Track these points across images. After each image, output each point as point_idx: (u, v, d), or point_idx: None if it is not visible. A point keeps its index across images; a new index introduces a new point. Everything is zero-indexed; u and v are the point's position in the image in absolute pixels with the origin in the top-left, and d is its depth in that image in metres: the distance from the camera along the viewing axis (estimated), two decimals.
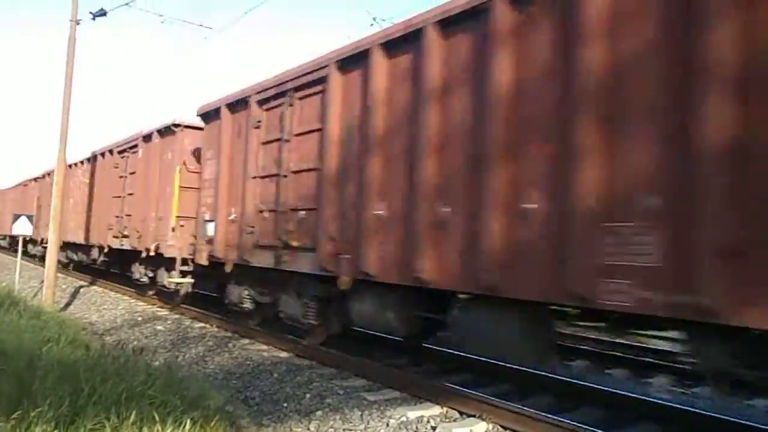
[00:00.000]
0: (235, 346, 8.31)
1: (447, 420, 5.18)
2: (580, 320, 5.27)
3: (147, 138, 12.67)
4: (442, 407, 5.43)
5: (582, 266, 4.10)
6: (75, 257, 18.30)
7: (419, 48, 5.63)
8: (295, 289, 7.72)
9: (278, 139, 7.77)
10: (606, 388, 6.07)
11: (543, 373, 6.41)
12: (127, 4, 12.65)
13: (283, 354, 7.76)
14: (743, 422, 5.09)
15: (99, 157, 15.95)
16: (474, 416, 5.14)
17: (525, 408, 5.04)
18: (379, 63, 6.13)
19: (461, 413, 5.28)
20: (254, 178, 8.25)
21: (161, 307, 12.19)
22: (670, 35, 3.77)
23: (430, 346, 7.69)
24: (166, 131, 11.71)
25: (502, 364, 6.74)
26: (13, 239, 23.02)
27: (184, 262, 10.60)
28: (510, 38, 4.78)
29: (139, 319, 11.02)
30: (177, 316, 11.13)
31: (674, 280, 3.63)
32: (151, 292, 13.05)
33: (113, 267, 15.83)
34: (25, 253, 16.52)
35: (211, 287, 11.24)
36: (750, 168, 3.35)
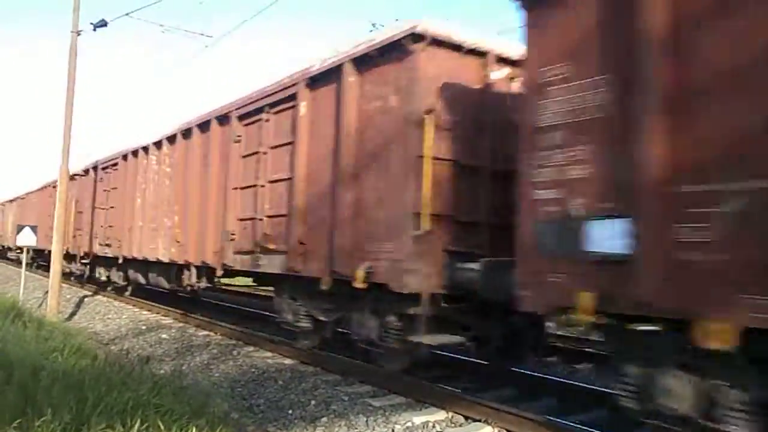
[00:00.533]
0: (239, 353, 8.31)
1: (452, 425, 5.18)
2: None
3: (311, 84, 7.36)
4: (447, 412, 5.43)
5: None
6: (141, 279, 13.38)
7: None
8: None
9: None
10: (611, 392, 6.03)
11: (548, 377, 6.38)
12: (127, 14, 12.73)
13: (288, 361, 7.75)
14: None
15: (195, 130, 10.48)
16: (479, 420, 5.14)
17: (529, 412, 5.03)
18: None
19: (466, 418, 5.28)
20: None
21: (165, 316, 12.19)
22: None
23: (436, 352, 7.66)
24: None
25: (508, 368, 6.73)
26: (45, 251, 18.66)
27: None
28: None
29: (144, 327, 11.04)
30: (181, 325, 11.14)
31: None
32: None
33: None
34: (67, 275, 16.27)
35: None
36: None
